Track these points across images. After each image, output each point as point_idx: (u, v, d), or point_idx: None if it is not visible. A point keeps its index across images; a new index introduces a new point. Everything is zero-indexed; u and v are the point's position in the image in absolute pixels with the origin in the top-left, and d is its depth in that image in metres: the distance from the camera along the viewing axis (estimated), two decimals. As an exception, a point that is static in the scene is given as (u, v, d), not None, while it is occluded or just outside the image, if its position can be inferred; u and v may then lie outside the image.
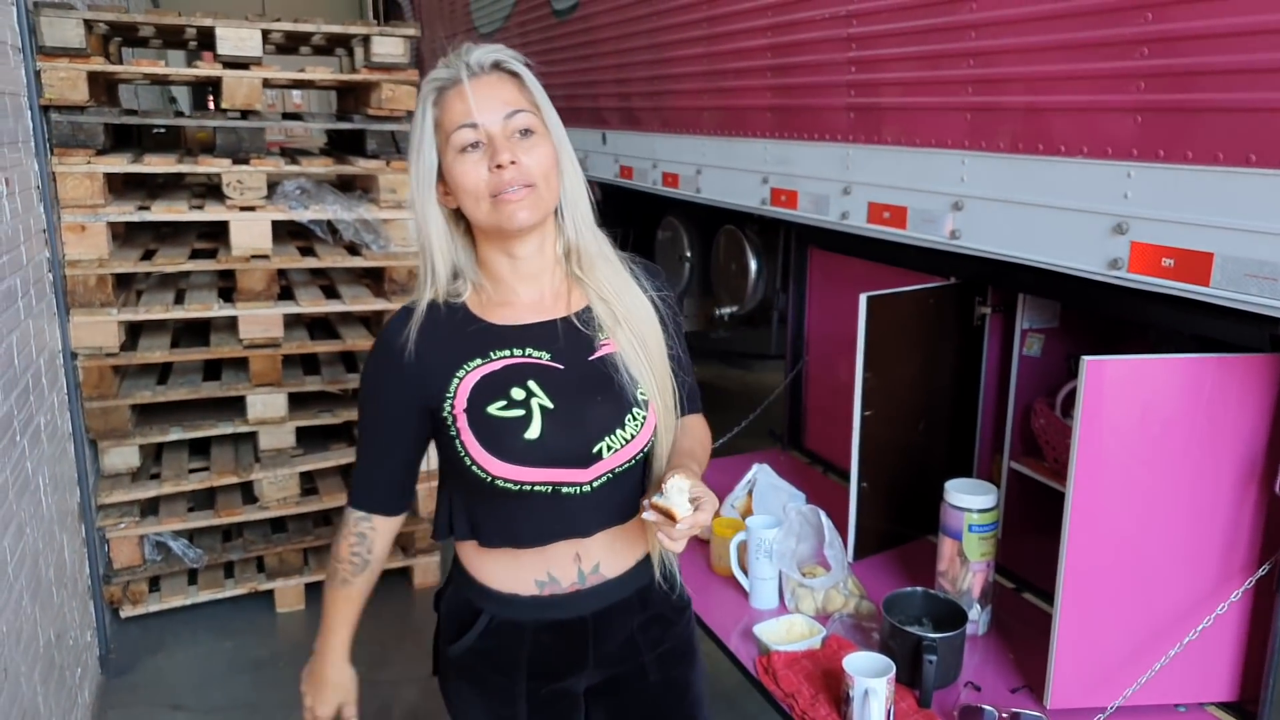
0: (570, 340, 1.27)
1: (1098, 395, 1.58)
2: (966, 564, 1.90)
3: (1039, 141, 1.77)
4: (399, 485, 1.35)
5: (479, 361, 1.24)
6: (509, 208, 1.19)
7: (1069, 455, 1.61)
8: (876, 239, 2.25)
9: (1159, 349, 1.88)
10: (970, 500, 1.88)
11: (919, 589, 1.90)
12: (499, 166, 1.17)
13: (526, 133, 1.20)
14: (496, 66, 1.22)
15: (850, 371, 2.14)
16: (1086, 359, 1.56)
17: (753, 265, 3.38)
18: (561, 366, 1.25)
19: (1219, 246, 1.46)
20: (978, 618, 1.92)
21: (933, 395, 2.29)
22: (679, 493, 1.13)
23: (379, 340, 1.28)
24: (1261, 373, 1.58)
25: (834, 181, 2.36)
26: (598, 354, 1.27)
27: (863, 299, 2.07)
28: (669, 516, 1.12)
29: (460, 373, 1.24)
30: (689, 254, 3.85)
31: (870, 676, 1.62)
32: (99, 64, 2.75)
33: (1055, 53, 1.72)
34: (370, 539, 1.34)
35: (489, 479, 1.21)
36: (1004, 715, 1.64)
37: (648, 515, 1.15)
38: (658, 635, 1.38)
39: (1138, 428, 1.60)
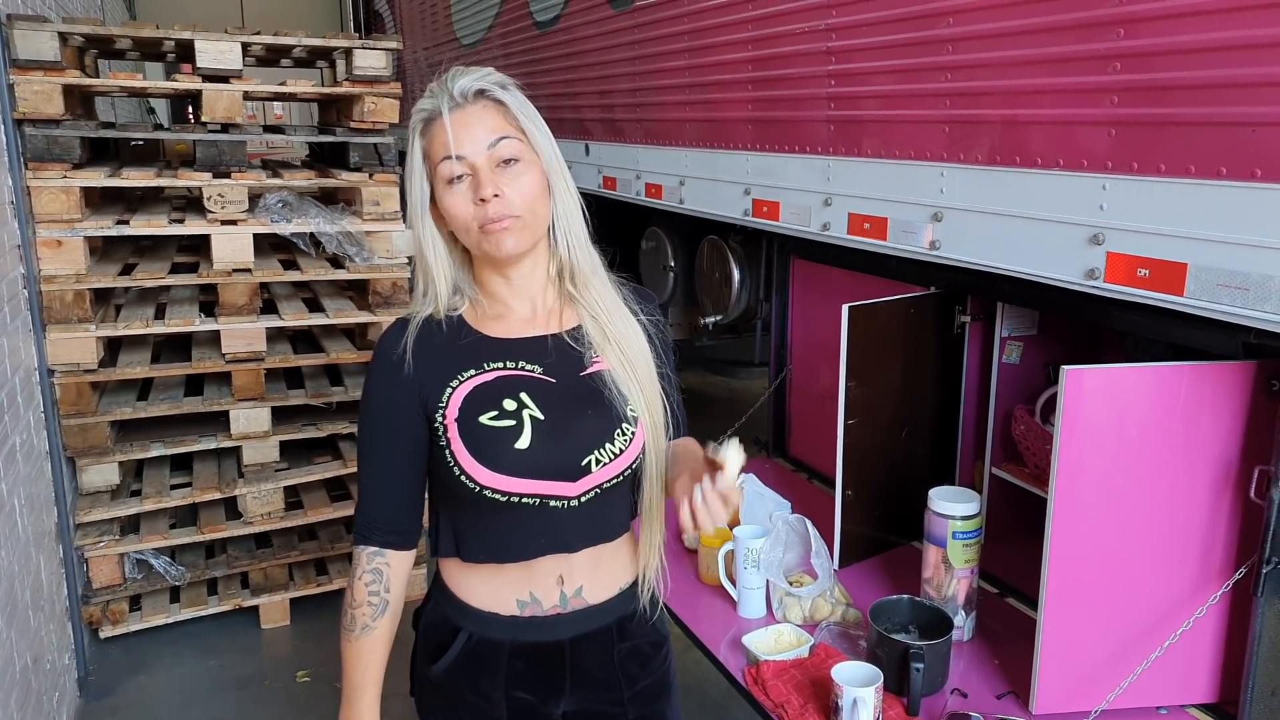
0: (562, 356, 1.28)
1: (1077, 404, 1.60)
2: (951, 571, 1.92)
3: (1016, 154, 1.80)
4: (407, 510, 1.31)
5: (473, 372, 1.26)
6: (495, 238, 1.20)
7: (1050, 461, 1.64)
8: (858, 249, 2.28)
9: (1136, 357, 1.91)
10: (954, 507, 1.90)
11: (905, 596, 1.92)
12: (482, 200, 1.18)
13: (511, 161, 1.21)
14: (480, 95, 1.21)
15: (833, 379, 2.15)
16: (1066, 369, 1.58)
17: (736, 275, 3.40)
18: (553, 380, 1.27)
19: (1192, 257, 1.49)
20: (963, 624, 1.94)
21: (915, 403, 2.31)
22: (736, 450, 1.11)
23: (376, 353, 1.29)
24: (1234, 380, 1.61)
25: (815, 193, 2.38)
26: (589, 371, 1.28)
27: (845, 309, 2.09)
28: (717, 468, 1.10)
29: (454, 382, 1.25)
30: (673, 264, 3.87)
31: (858, 685, 1.63)
32: (74, 77, 2.74)
33: (1031, 67, 1.75)
34: (386, 575, 1.30)
35: (477, 489, 1.22)
36: (989, 721, 1.66)
37: (680, 484, 1.15)
38: (635, 672, 1.37)
39: (1117, 435, 1.63)
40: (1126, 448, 1.63)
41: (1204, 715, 1.71)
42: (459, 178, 1.20)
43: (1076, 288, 1.70)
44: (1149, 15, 1.52)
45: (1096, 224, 1.64)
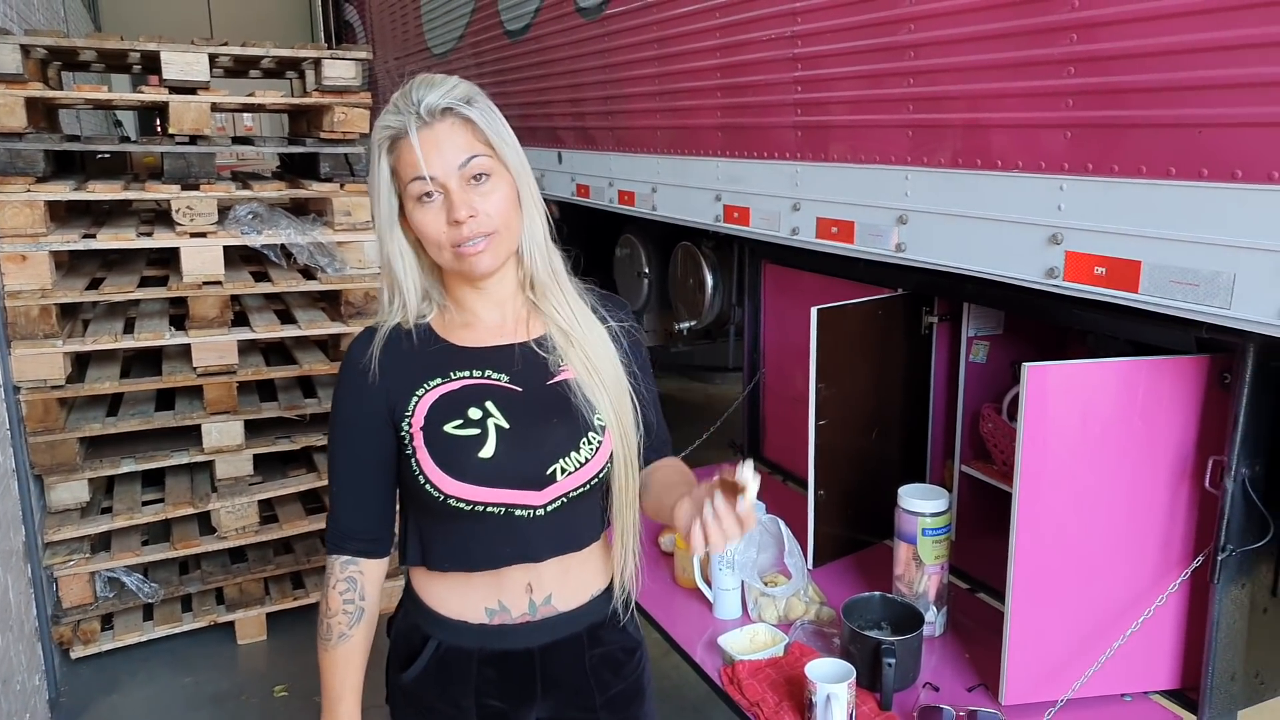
0: (528, 364, 1.29)
1: (1039, 400, 1.64)
2: (922, 567, 1.95)
3: (977, 157, 1.84)
4: (379, 518, 1.31)
5: (439, 380, 1.26)
6: (470, 259, 1.21)
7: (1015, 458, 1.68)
8: (826, 253, 2.31)
9: (1098, 353, 1.95)
10: (923, 505, 1.93)
11: (877, 594, 1.95)
12: (456, 221, 1.18)
13: (482, 177, 1.20)
14: (448, 112, 1.19)
15: (805, 382, 2.18)
16: (1027, 366, 1.62)
17: (709, 280, 3.43)
18: (519, 389, 1.27)
19: (1146, 255, 1.53)
20: (934, 619, 1.97)
21: (884, 403, 2.35)
22: (753, 474, 1.08)
23: (344, 363, 1.29)
24: (1189, 374, 1.65)
25: (784, 198, 2.41)
26: (556, 379, 1.29)
27: (814, 312, 2.12)
28: (735, 490, 1.07)
29: (420, 391, 1.25)
30: (647, 270, 3.89)
31: (831, 682, 1.66)
32: (37, 89, 2.73)
33: (990, 71, 1.79)
34: (360, 583, 1.30)
35: (441, 498, 1.22)
36: (961, 714, 1.68)
37: (683, 509, 1.13)
38: (608, 678, 1.37)
39: (1078, 430, 1.66)
40: (1088, 442, 1.67)
41: (1166, 701, 1.75)
42: (429, 195, 1.19)
43: (1038, 287, 1.74)
44: (1102, 21, 1.56)
45: (1055, 224, 1.68)
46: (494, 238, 1.21)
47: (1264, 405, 1.56)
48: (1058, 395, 1.65)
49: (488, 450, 1.23)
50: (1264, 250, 1.36)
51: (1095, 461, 1.67)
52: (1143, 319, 1.61)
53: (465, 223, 1.18)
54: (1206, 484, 1.65)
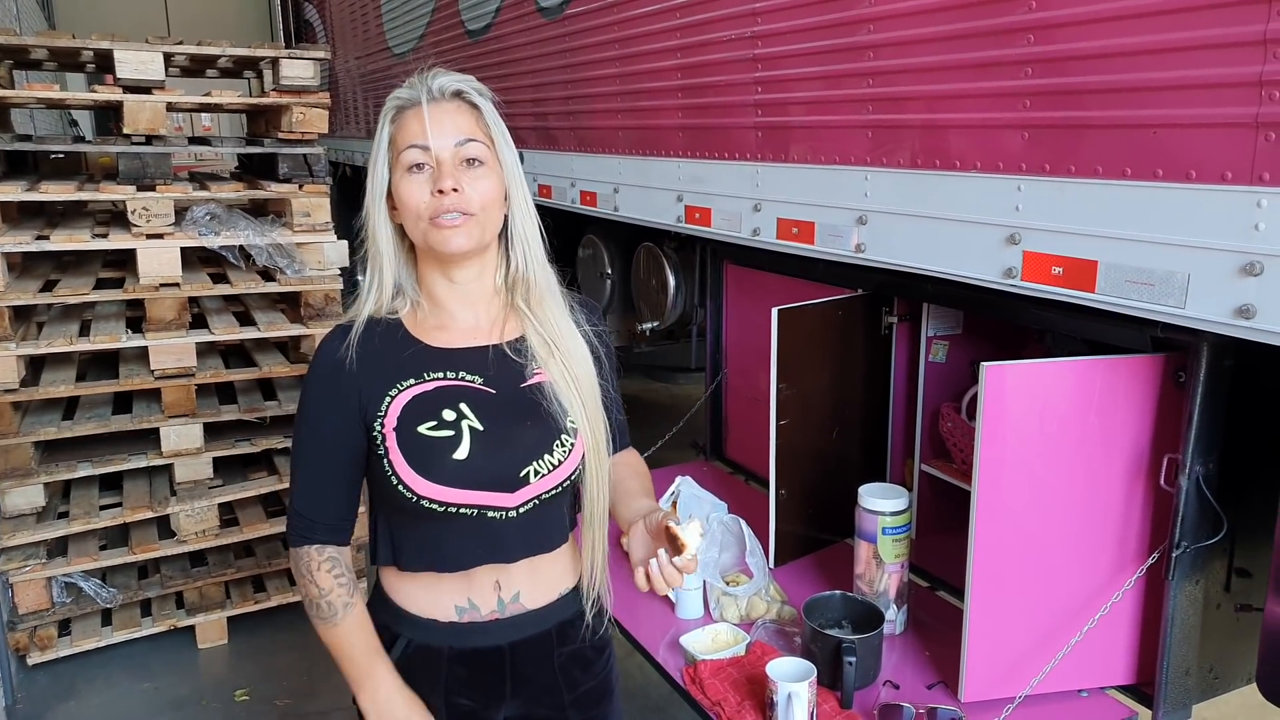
0: (502, 367, 1.29)
1: (998, 399, 1.65)
2: (882, 566, 1.96)
3: (936, 157, 1.85)
4: (345, 508, 1.31)
5: (412, 381, 1.26)
6: (444, 233, 1.22)
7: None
8: (787, 254, 2.32)
9: (1055, 352, 1.98)
10: (883, 504, 1.94)
11: (837, 592, 1.96)
12: (440, 191, 1.20)
13: (475, 162, 1.23)
14: (458, 95, 1.25)
15: (767, 382, 2.19)
16: (985, 365, 1.63)
17: (672, 281, 3.43)
18: (493, 391, 1.28)
19: (1102, 255, 1.54)
20: (895, 617, 1.98)
21: (845, 403, 2.36)
22: (695, 531, 1.19)
23: (317, 357, 1.28)
24: (1144, 373, 1.67)
25: (745, 199, 2.41)
26: (529, 382, 1.29)
27: (774, 312, 2.13)
28: (676, 544, 1.18)
29: (393, 391, 1.25)
30: (610, 271, 3.88)
31: (792, 681, 1.66)
32: (-12, 89, 2.67)
33: (947, 72, 1.80)
34: (342, 560, 1.30)
35: (414, 499, 1.22)
36: (921, 711, 1.70)
37: (636, 538, 1.24)
38: (577, 676, 1.38)
39: (1036, 428, 1.68)
40: (1045, 440, 1.68)
41: (1123, 696, 1.78)
42: (420, 166, 1.22)
43: (996, 287, 1.75)
44: (1058, 22, 1.57)
45: (1012, 224, 1.69)
46: (472, 219, 1.23)
47: (1217, 403, 1.58)
48: (1016, 394, 1.66)
49: (462, 452, 1.23)
50: (1217, 250, 1.37)
51: (1053, 460, 1.69)
52: (1099, 318, 1.63)
53: (448, 194, 1.20)
54: (1161, 481, 1.67)
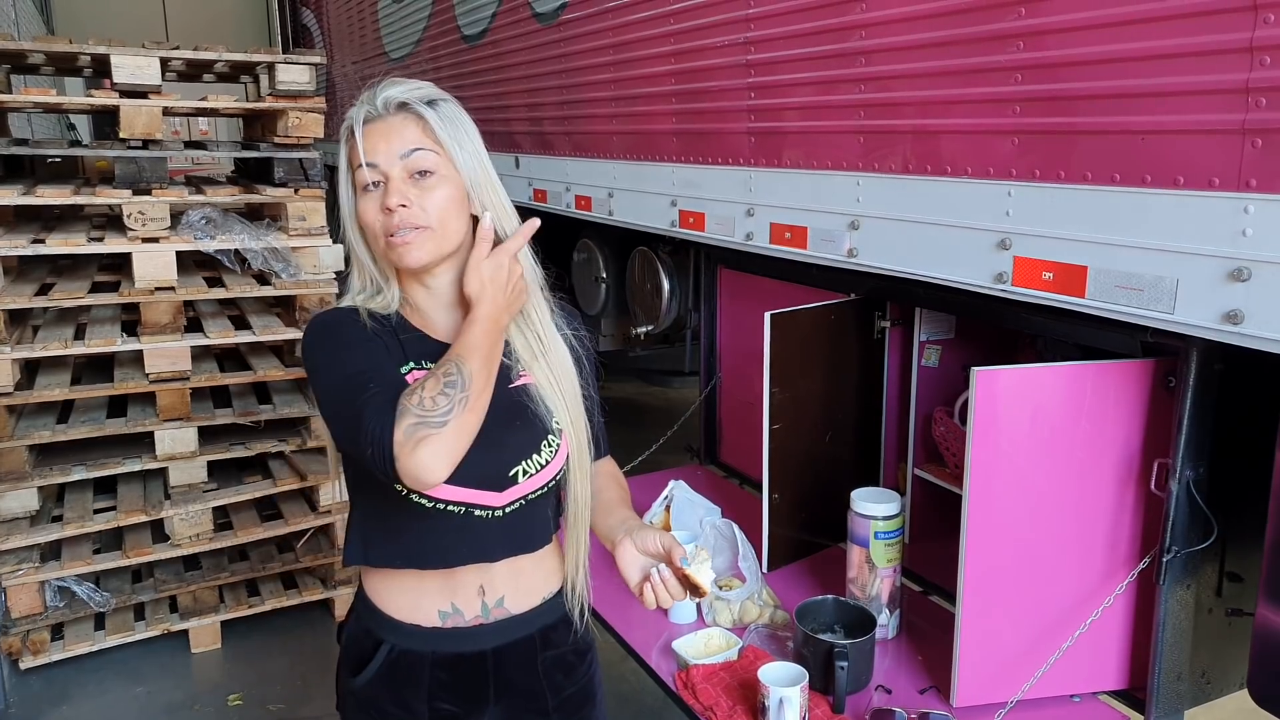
0: None
1: (989, 404, 1.65)
2: (874, 570, 1.96)
3: (927, 163, 1.86)
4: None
5: (412, 366, 1.25)
6: (398, 250, 1.21)
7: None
8: (780, 258, 2.32)
9: (1047, 357, 1.98)
10: (875, 508, 1.94)
11: (830, 597, 1.96)
12: (388, 209, 1.19)
13: (424, 174, 1.21)
14: (402, 107, 1.22)
15: (760, 386, 2.19)
16: (976, 370, 1.64)
17: (666, 285, 3.43)
18: None
19: (1092, 260, 1.55)
20: (887, 622, 1.98)
21: (838, 407, 2.36)
22: (706, 567, 1.22)
23: (329, 318, 1.25)
24: (1134, 378, 1.67)
25: (738, 204, 2.42)
26: (516, 383, 1.30)
27: (767, 317, 2.13)
28: (693, 586, 1.22)
29: (403, 369, 1.23)
30: (604, 275, 3.89)
31: (784, 686, 1.66)
32: (-16, 93, 2.67)
33: (939, 78, 1.80)
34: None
35: (404, 491, 1.20)
36: (913, 716, 1.69)
37: (628, 558, 1.27)
38: (560, 681, 1.38)
39: (1027, 433, 1.68)
40: (1037, 445, 1.69)
41: (1115, 701, 1.78)
42: (374, 184, 1.21)
43: (987, 291, 1.76)
44: (1048, 29, 1.58)
45: (1003, 229, 1.70)
46: (425, 232, 1.21)
47: (1207, 408, 1.58)
48: (1007, 399, 1.67)
49: None
50: (1206, 255, 1.38)
51: (1044, 464, 1.69)
52: (1090, 323, 1.64)
53: (395, 211, 1.19)
54: (1152, 486, 1.67)
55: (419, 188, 1.21)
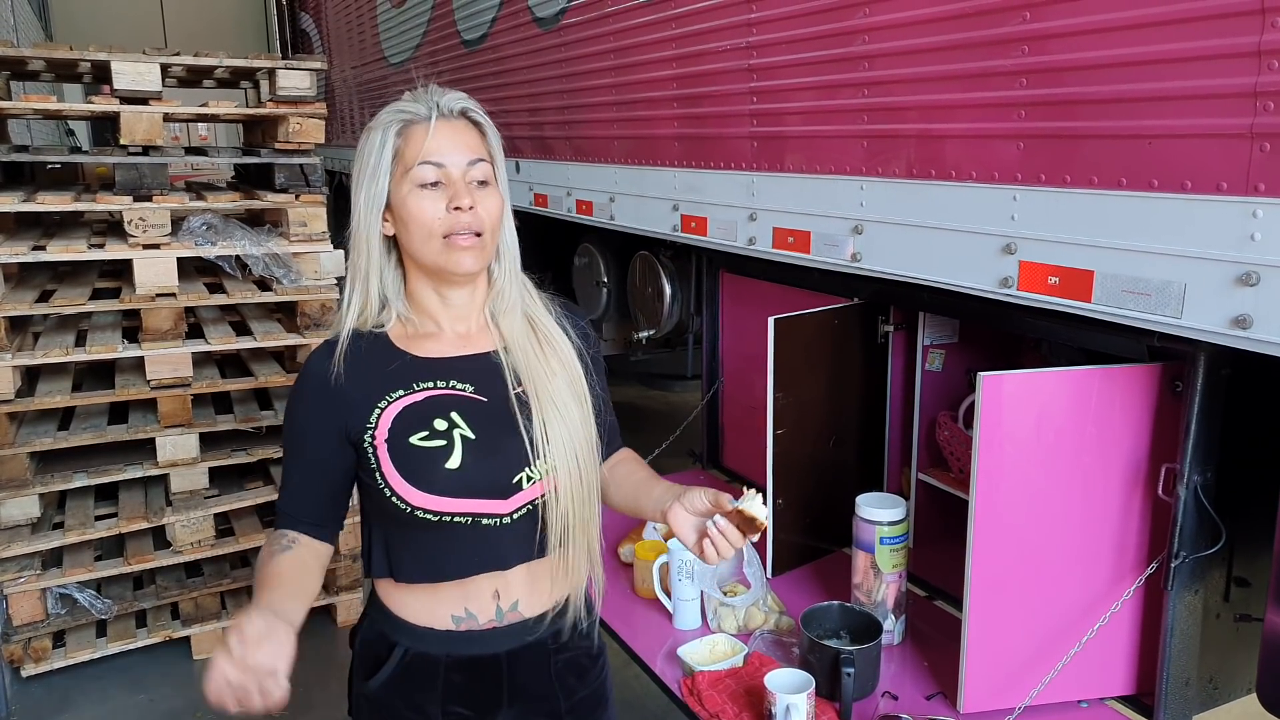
0: (493, 374, 1.29)
1: (994, 409, 1.65)
2: (880, 576, 1.96)
3: (931, 167, 1.85)
4: (331, 511, 1.31)
5: (402, 393, 1.25)
6: (457, 253, 1.22)
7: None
8: (783, 263, 2.32)
9: (1051, 361, 1.98)
10: (880, 513, 1.94)
11: (835, 603, 1.95)
12: (458, 208, 1.21)
13: (483, 184, 1.25)
14: (464, 114, 1.26)
15: (763, 391, 2.19)
16: (982, 375, 1.63)
17: (668, 290, 3.43)
18: (485, 399, 1.27)
19: (1098, 265, 1.55)
20: (893, 628, 1.98)
21: (842, 412, 2.35)
22: (755, 500, 1.22)
23: (304, 371, 1.28)
24: (1141, 382, 1.67)
25: (740, 208, 2.42)
26: (519, 389, 1.29)
27: (770, 321, 2.13)
28: (749, 521, 1.21)
29: (382, 404, 1.25)
30: (606, 279, 3.89)
31: (791, 692, 1.66)
32: (-16, 100, 2.67)
33: (943, 82, 1.80)
34: (301, 542, 1.27)
35: (408, 509, 1.22)
36: (920, 722, 1.69)
37: (680, 521, 1.26)
38: (573, 684, 1.38)
39: (1033, 438, 1.68)
40: (1043, 450, 1.68)
41: (1122, 707, 1.77)
42: (434, 184, 1.22)
43: (992, 296, 1.75)
44: (1053, 33, 1.58)
45: (1008, 234, 1.70)
46: (483, 240, 1.24)
47: (1215, 413, 1.58)
48: (1013, 404, 1.66)
49: (454, 461, 1.23)
50: (1214, 260, 1.37)
51: (1050, 469, 1.69)
52: (1096, 328, 1.63)
53: (466, 211, 1.21)
54: (1160, 491, 1.67)
55: (478, 195, 1.24)
